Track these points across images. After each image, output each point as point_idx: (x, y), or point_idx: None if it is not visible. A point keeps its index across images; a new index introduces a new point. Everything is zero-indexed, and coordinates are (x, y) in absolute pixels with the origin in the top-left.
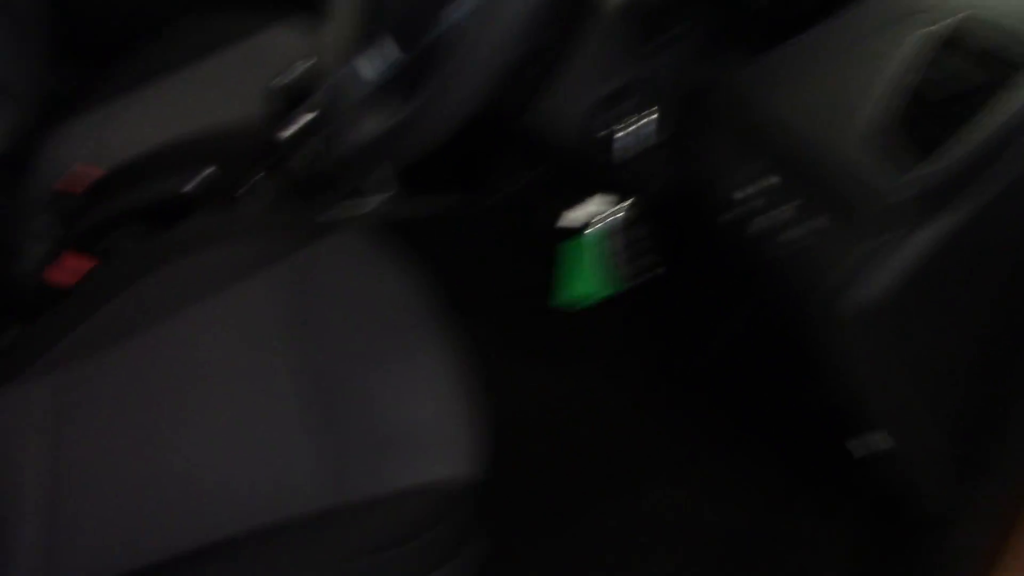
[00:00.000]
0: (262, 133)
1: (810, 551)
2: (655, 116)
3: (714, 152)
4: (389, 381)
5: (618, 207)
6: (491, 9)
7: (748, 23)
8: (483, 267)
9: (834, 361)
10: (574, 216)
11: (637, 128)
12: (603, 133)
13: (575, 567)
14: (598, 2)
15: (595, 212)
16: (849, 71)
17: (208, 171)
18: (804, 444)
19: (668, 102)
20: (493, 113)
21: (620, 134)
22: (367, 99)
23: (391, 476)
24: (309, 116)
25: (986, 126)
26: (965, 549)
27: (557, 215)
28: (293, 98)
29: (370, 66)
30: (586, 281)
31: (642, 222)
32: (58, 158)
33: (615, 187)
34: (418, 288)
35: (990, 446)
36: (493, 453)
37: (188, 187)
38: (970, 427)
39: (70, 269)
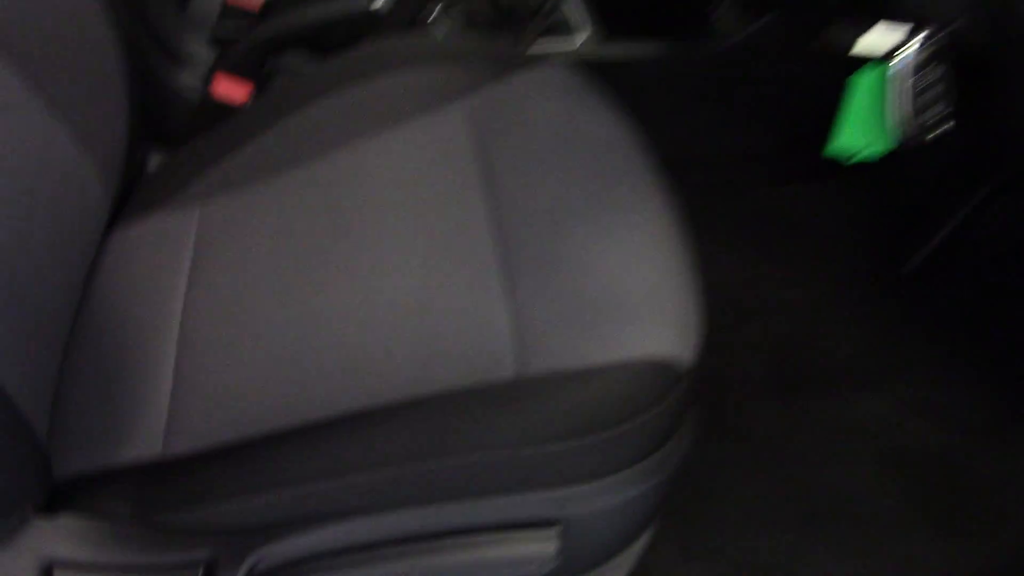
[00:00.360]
0: None
1: (1017, 491)
2: None
3: None
4: (603, 240)
5: (909, 40)
6: None
7: None
8: (696, 125)
9: None
10: (859, 45)
11: None
12: None
13: (766, 468)
14: None
15: (879, 45)
16: None
17: None
18: None
19: None
20: None
21: None
22: None
23: (602, 349)
24: None
25: None
26: None
27: (821, 45)
28: None
29: None
30: (860, 130)
31: (937, 62)
32: None
33: (905, 12)
34: (633, 138)
35: None
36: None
37: (378, 4)
38: None
39: (231, 88)
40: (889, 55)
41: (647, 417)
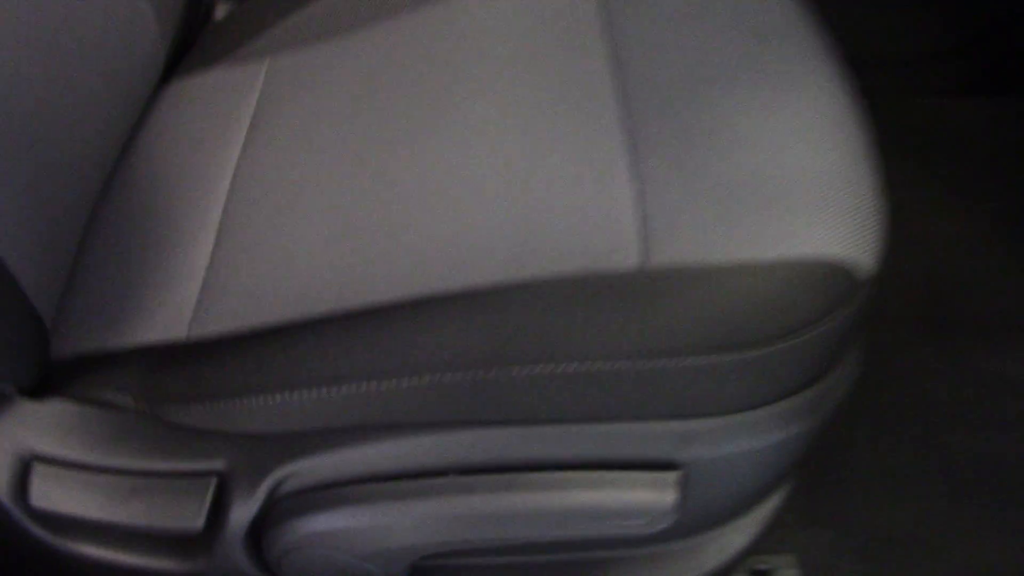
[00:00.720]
0: None
1: None
2: None
3: None
4: (758, 110)
5: None
6: None
7: None
8: (857, 17)
9: None
10: None
11: None
12: None
13: (912, 423)
14: None
15: None
16: None
17: None
18: None
19: None
20: None
21: None
22: None
23: (756, 242)
24: None
25: None
26: None
27: None
28: None
29: None
30: None
31: None
32: None
33: None
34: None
35: None
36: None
37: None
38: None
39: None
40: None
41: (809, 336)
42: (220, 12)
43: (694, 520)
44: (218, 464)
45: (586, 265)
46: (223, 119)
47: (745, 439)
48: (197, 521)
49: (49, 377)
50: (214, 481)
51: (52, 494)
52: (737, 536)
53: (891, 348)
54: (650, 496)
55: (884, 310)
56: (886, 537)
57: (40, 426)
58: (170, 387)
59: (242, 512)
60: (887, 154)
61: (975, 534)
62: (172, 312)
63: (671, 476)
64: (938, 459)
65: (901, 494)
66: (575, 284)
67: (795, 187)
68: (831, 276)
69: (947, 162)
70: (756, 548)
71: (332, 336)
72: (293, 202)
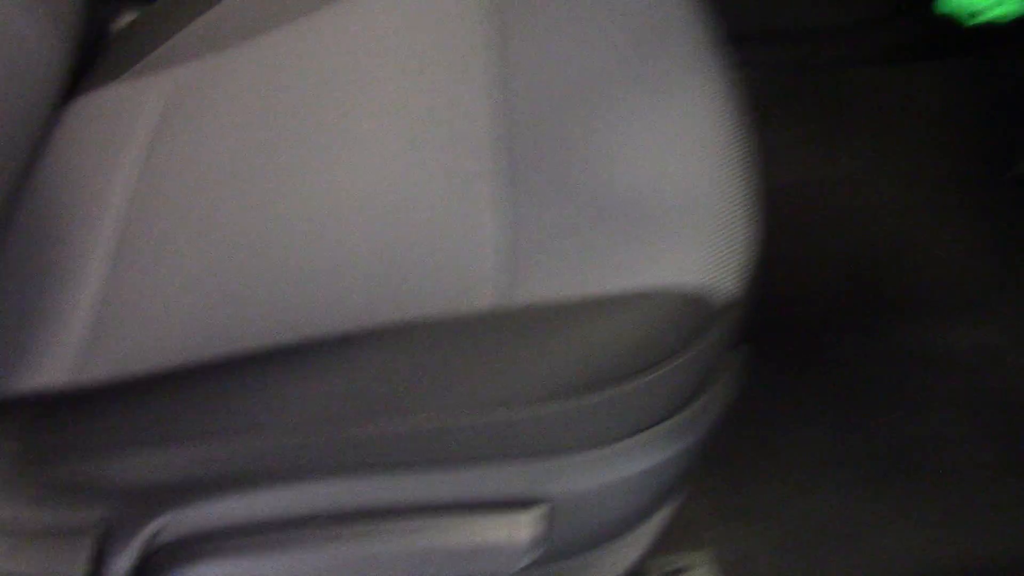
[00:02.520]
0: None
1: None
2: None
3: None
4: (632, 126)
5: None
6: None
7: None
8: None
9: None
10: None
11: None
12: None
13: (835, 408)
14: None
15: None
16: None
17: None
18: None
19: None
20: None
21: None
22: None
23: (614, 273)
24: None
25: None
26: None
27: None
28: None
29: None
30: None
31: None
32: None
33: None
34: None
35: None
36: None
37: None
38: None
39: None
40: None
41: (670, 368)
42: (122, 21)
43: (572, 545)
44: (98, 514)
45: (442, 307)
46: (122, 140)
47: (615, 469)
48: (76, 574)
49: None
50: (94, 532)
51: None
52: (627, 551)
53: (814, 330)
54: (515, 534)
55: (808, 290)
56: (803, 529)
57: None
58: (48, 437)
59: (121, 563)
60: (819, 125)
61: (891, 524)
62: (57, 355)
63: (532, 513)
64: (858, 444)
65: (819, 483)
66: (428, 330)
67: (662, 210)
68: (688, 306)
69: (871, 133)
70: (665, 549)
71: (202, 390)
72: (179, 235)
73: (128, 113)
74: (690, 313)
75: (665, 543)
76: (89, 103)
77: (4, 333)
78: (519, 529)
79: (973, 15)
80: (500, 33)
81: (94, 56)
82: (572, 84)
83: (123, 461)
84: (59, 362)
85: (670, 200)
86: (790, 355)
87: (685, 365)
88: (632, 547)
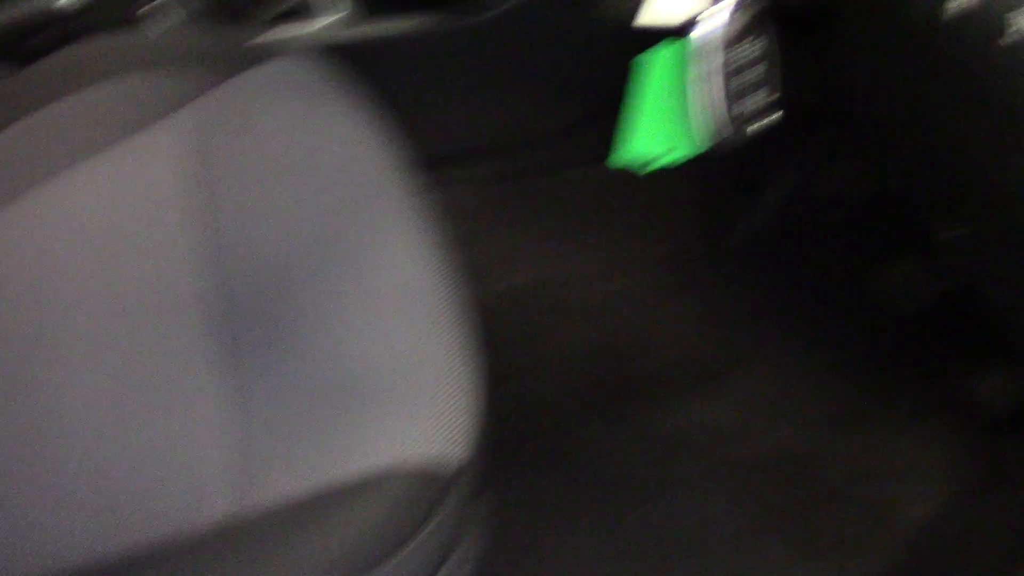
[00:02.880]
0: None
1: (891, 478)
2: None
3: None
4: (340, 297)
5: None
6: None
7: None
8: (474, 110)
9: None
10: (646, 13)
11: None
12: None
13: (599, 502)
14: None
15: (674, 12)
16: None
17: None
18: (878, 345)
19: None
20: None
21: None
22: None
23: (342, 457)
24: None
25: None
26: None
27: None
28: None
29: None
30: (656, 130)
31: (757, 31)
32: None
33: None
34: (386, 142)
35: None
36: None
37: (64, 1)
38: None
39: None
40: (689, 26)
41: (416, 543)
42: None
43: None
44: None
45: (167, 524)
46: None
47: None
48: None
49: None
50: None
51: None
52: None
53: (567, 425)
54: None
55: (548, 394)
56: None
57: None
58: None
59: None
60: (537, 234)
61: None
62: None
63: None
64: (634, 529)
65: None
66: (152, 555)
67: (384, 383)
68: (421, 481)
69: (594, 228)
70: None
71: None
72: None
73: None
74: (424, 487)
75: None
76: None
77: None
78: None
79: (647, 163)
80: (208, 206)
81: None
82: (283, 259)
83: None
84: None
85: (389, 371)
86: (544, 460)
87: (433, 533)
88: None
